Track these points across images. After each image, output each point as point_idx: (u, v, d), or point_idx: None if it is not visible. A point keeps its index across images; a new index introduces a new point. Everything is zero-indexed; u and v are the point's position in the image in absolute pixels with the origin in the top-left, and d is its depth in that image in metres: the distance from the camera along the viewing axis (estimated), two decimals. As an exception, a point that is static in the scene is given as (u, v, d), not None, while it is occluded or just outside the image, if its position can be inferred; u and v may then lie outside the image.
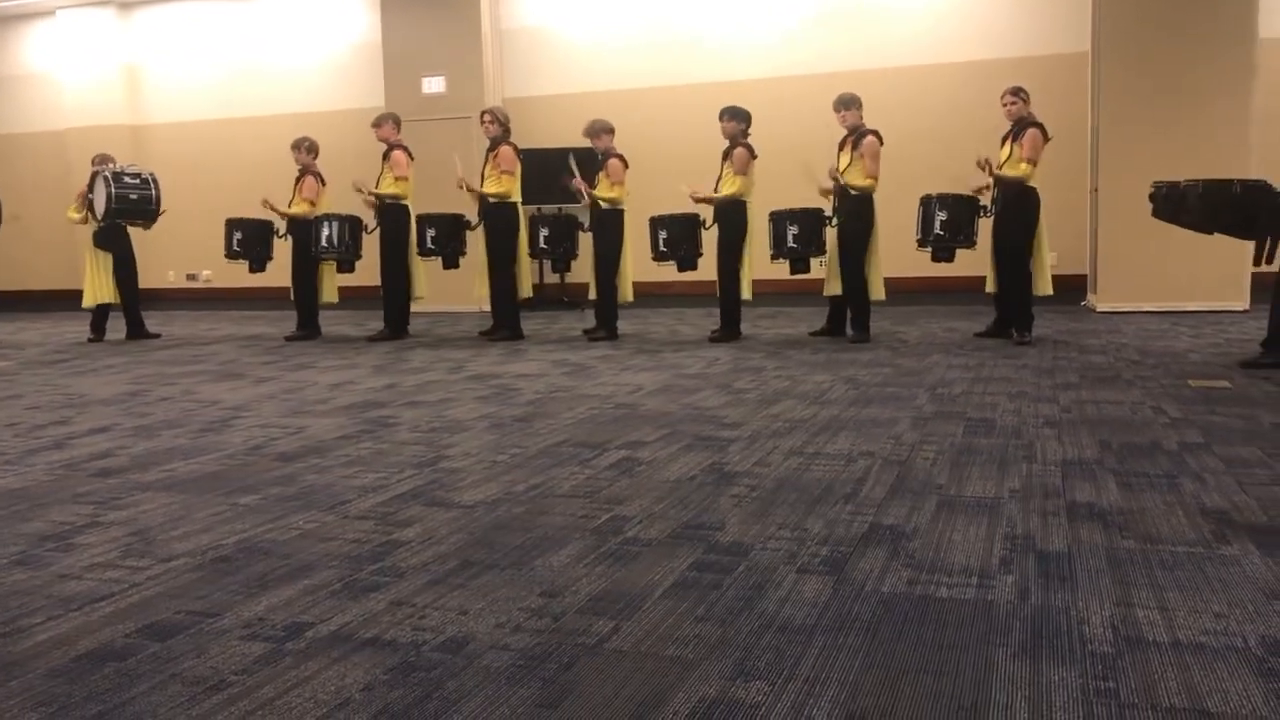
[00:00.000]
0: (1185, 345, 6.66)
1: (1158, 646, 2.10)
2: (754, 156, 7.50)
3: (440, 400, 5.45)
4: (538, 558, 2.80)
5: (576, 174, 7.92)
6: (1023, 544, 2.78)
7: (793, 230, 7.35)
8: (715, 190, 7.59)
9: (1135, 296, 8.61)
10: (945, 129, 10.17)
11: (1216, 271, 8.35)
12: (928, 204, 7.21)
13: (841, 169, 7.32)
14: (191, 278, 13.75)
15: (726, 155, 7.56)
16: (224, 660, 2.19)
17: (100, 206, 8.83)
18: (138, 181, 8.92)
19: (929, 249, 7.24)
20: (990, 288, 7.30)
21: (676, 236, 7.73)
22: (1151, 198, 6.18)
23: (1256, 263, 5.69)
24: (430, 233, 8.31)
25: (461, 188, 8.09)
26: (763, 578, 2.58)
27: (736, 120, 7.53)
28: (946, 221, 7.08)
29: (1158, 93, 8.46)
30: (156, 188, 9.00)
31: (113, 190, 8.73)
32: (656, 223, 7.80)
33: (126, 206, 8.84)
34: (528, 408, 5.13)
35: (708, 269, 7.83)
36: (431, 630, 2.32)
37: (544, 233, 8.19)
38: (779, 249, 7.45)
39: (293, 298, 8.90)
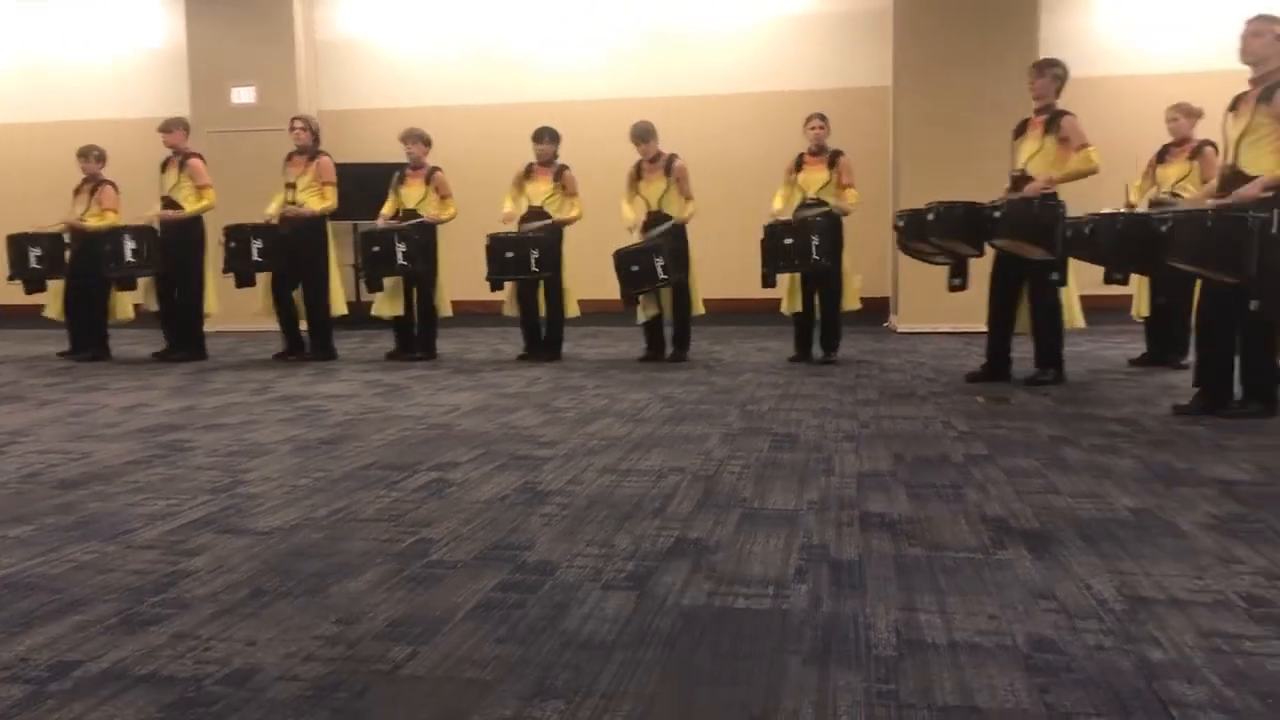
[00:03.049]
0: (977, 364, 7.06)
1: (936, 648, 2.21)
2: None
3: (242, 423, 5.20)
4: (335, 584, 2.70)
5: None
6: (818, 554, 2.88)
7: (634, 269, 7.30)
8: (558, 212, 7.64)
9: (933, 318, 9.11)
10: (759, 156, 10.50)
11: (1005, 295, 8.94)
12: (774, 232, 7.21)
13: (659, 195, 7.43)
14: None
15: (558, 177, 7.61)
16: (-24, 706, 2.01)
17: None
18: None
19: (777, 273, 7.28)
20: (799, 308, 7.51)
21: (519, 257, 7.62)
22: (902, 228, 6.61)
23: (1107, 281, 6.16)
24: (231, 245, 7.84)
25: (286, 217, 7.77)
26: (567, 596, 2.58)
27: (556, 143, 7.61)
28: (793, 246, 7.13)
29: (952, 126, 9.01)
30: None
31: None
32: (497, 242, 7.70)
33: None
34: (335, 430, 4.96)
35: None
36: (216, 663, 2.20)
37: (375, 249, 7.87)
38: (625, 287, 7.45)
39: (66, 315, 8.26)
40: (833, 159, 7.25)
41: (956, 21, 9.25)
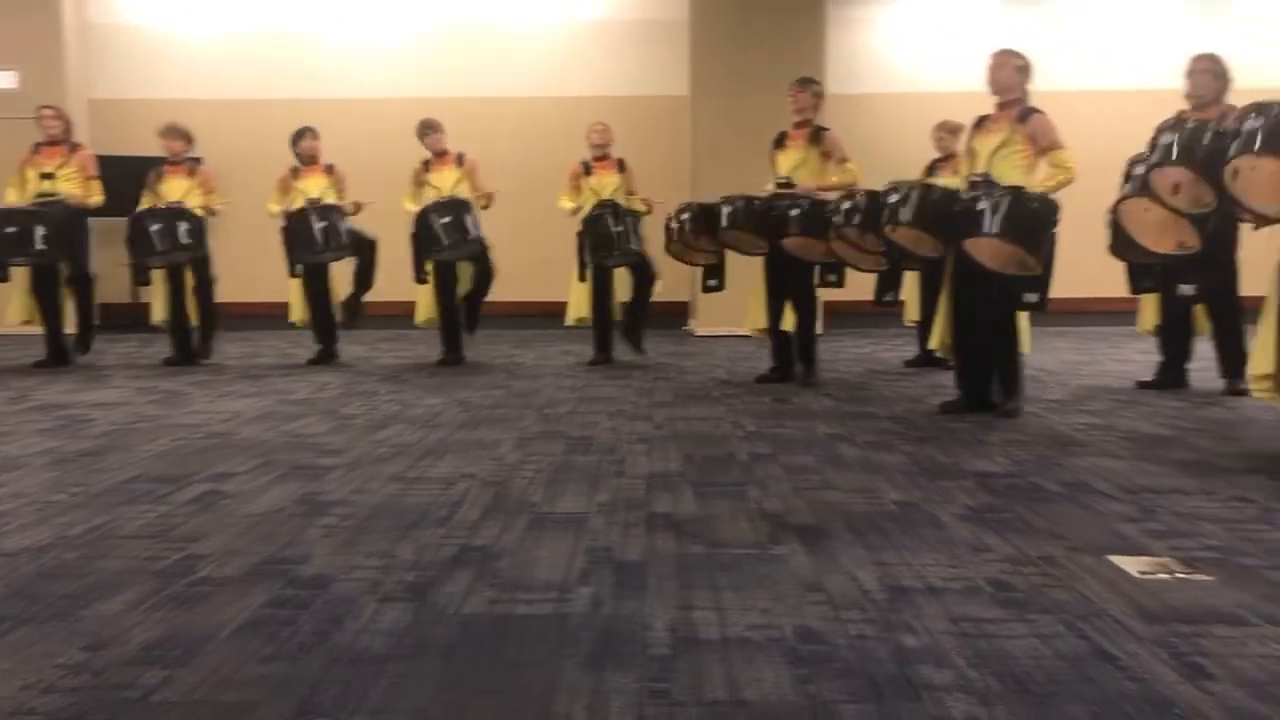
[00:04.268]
0: (768, 365, 7.31)
1: (709, 645, 2.26)
2: None
3: (-7, 435, 4.78)
4: (86, 607, 2.51)
5: None
6: (602, 556, 2.90)
7: (446, 220, 7.14)
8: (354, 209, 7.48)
9: (728, 322, 9.33)
10: (556, 161, 10.50)
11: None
12: (599, 219, 7.18)
13: (452, 184, 7.35)
14: None
15: (329, 171, 7.51)
16: None
17: None
18: None
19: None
20: (584, 313, 7.57)
21: None
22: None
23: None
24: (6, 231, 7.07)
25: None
26: (341, 609, 2.49)
27: (318, 139, 7.53)
28: (623, 233, 7.13)
29: (746, 138, 9.25)
30: None
31: None
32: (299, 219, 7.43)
33: None
34: (100, 440, 4.63)
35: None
36: (-62, 702, 2.00)
37: (156, 228, 7.34)
38: None
39: None
40: (621, 164, 7.43)
41: (749, 36, 9.57)
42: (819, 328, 9.47)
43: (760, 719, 1.93)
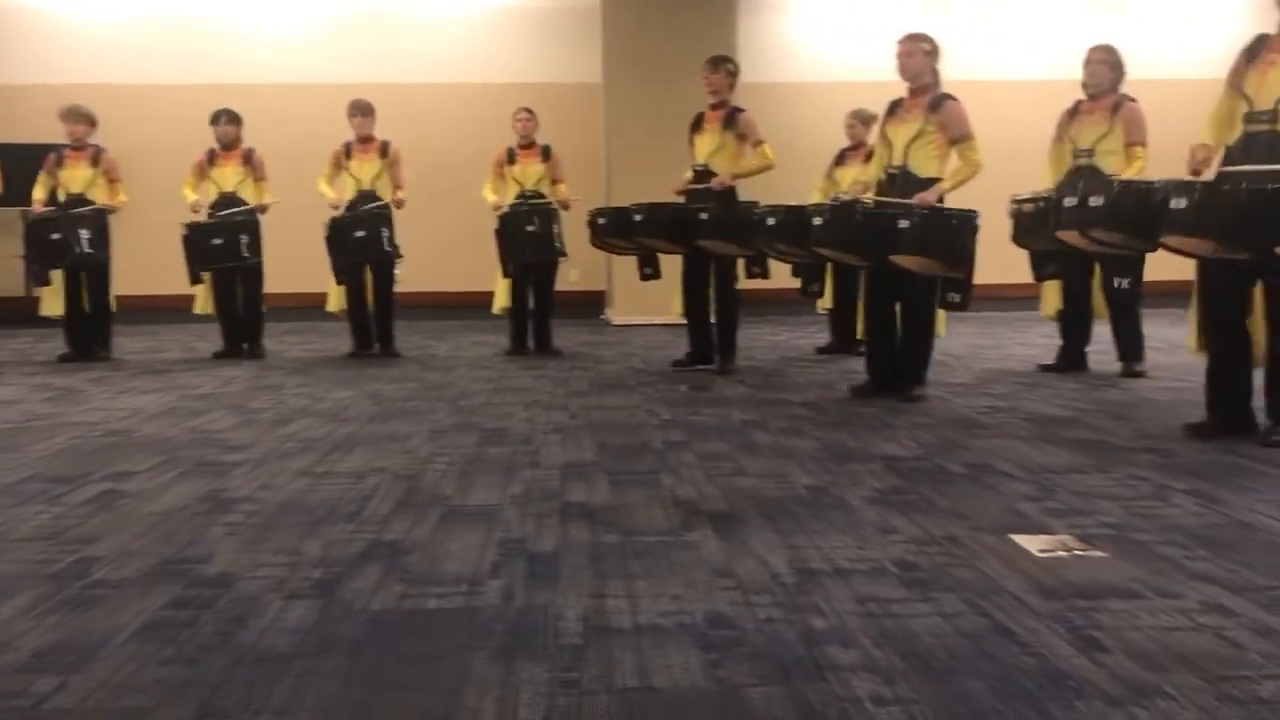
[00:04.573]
0: (684, 353, 7.35)
1: (620, 633, 2.27)
2: None
3: (-127, 436, 4.56)
4: (-27, 614, 2.41)
5: None
6: (515, 548, 2.89)
7: (359, 234, 7.10)
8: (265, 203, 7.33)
9: (645, 311, 9.38)
10: (466, 148, 10.39)
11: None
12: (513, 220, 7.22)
13: (372, 177, 7.25)
14: None
15: (247, 160, 7.29)
16: None
17: None
18: None
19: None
20: (509, 302, 7.52)
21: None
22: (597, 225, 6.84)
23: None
24: None
25: None
26: (245, 608, 2.43)
27: (237, 125, 7.32)
28: (536, 233, 7.11)
29: (658, 124, 9.26)
30: None
31: None
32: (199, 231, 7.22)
33: None
34: (-9, 440, 4.45)
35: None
36: None
37: (55, 237, 7.09)
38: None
39: None
40: (545, 152, 7.34)
41: (660, 23, 9.58)
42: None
43: (669, 705, 1.94)
